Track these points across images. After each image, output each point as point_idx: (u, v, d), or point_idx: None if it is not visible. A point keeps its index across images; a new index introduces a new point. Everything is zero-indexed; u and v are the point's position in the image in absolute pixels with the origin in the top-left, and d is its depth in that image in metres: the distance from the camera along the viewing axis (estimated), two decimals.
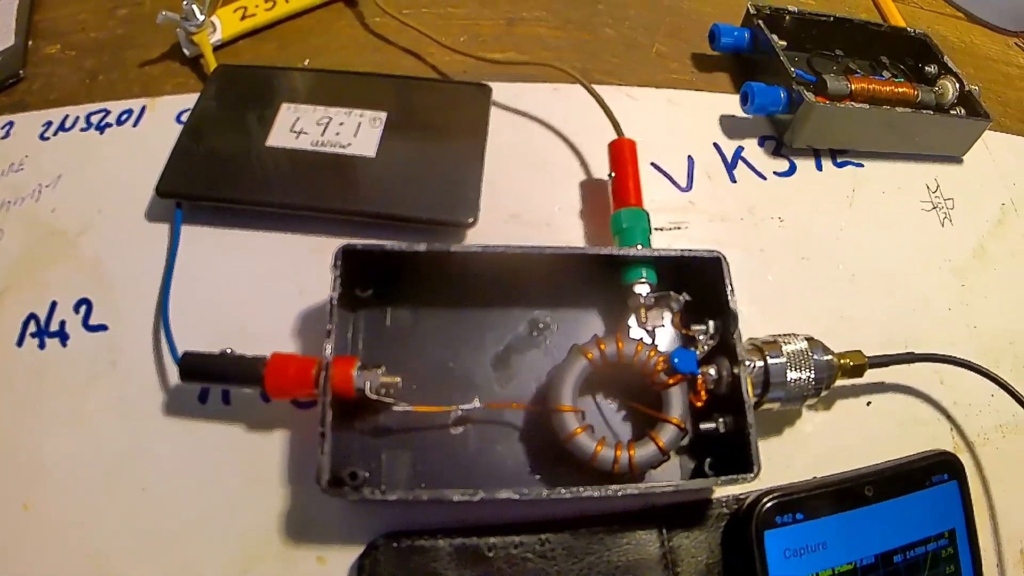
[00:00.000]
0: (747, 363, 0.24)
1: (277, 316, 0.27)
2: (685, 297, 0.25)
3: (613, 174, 0.27)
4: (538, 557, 0.24)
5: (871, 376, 0.28)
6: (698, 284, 0.26)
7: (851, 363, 0.27)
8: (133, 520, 0.24)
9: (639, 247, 0.26)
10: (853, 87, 0.35)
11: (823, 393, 0.26)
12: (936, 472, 0.27)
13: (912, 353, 0.29)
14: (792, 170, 0.33)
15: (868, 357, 0.27)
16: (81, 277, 0.28)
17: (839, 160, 0.34)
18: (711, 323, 0.25)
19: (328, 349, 0.23)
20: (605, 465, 0.23)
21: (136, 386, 0.26)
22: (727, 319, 0.25)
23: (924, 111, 0.36)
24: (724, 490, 0.26)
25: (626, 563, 0.24)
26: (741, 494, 0.26)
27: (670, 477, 0.25)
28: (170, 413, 0.25)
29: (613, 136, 0.29)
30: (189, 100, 0.31)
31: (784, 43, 0.36)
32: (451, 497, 0.21)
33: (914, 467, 0.27)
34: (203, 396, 0.26)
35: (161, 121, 0.31)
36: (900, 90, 0.38)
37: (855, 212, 0.33)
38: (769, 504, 0.24)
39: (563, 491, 0.22)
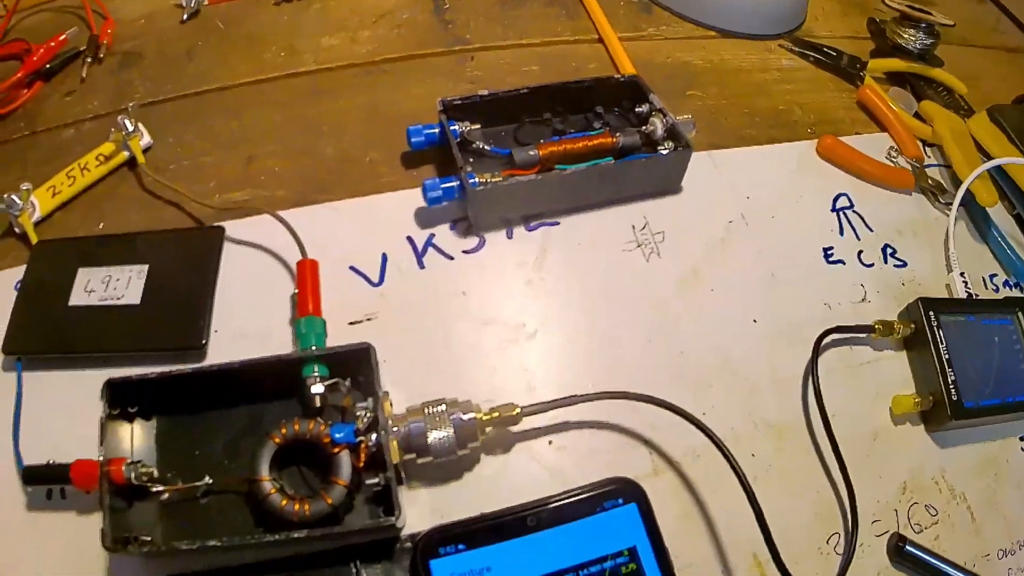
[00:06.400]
0: (395, 430, 0.33)
1: (92, 432, 0.35)
2: (347, 382, 0.34)
3: (297, 290, 0.36)
4: None
5: (554, 417, 0.34)
6: (365, 368, 0.34)
7: (499, 415, 0.33)
8: None
9: (313, 348, 0.34)
10: (541, 154, 0.41)
11: (474, 444, 0.33)
12: (609, 498, 0.31)
13: (574, 396, 0.34)
14: (480, 245, 0.39)
15: (522, 407, 0.33)
16: None
17: (532, 224, 0.40)
18: (369, 400, 0.34)
19: (101, 455, 0.33)
20: (290, 516, 0.32)
21: (4, 496, 0.36)
22: (376, 397, 0.33)
23: (606, 162, 0.41)
24: (410, 530, 0.33)
25: None
26: (419, 532, 0.32)
27: (361, 521, 0.33)
28: (29, 509, 0.36)
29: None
30: (22, 271, 0.41)
31: (478, 126, 0.42)
32: (180, 547, 0.31)
33: (582, 496, 0.31)
34: (48, 495, 0.37)
35: (3, 291, 0.40)
36: (596, 142, 0.43)
37: (544, 271, 0.39)
38: (431, 538, 0.31)
39: (249, 537, 0.31)
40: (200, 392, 0.35)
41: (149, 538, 0.34)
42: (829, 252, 0.45)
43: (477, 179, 0.38)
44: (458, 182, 0.38)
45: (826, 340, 0.40)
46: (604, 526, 0.30)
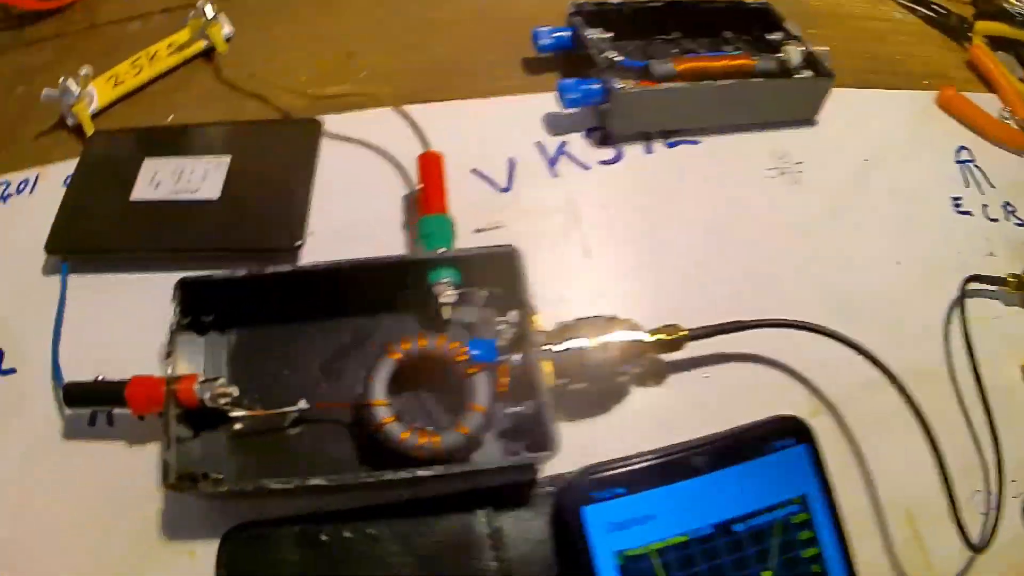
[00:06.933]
0: (545, 348, 0.27)
1: (150, 345, 0.30)
2: (485, 292, 0.28)
3: (421, 185, 0.30)
4: (368, 540, 0.26)
5: (710, 347, 0.29)
6: (506, 277, 0.28)
7: (666, 337, 0.28)
8: (23, 533, 0.27)
9: (442, 250, 0.29)
10: (679, 68, 0.37)
11: (636, 370, 0.28)
12: (778, 437, 0.26)
13: (740, 321, 0.29)
14: (618, 157, 0.35)
15: (690, 330, 0.28)
16: None
17: (672, 140, 0.36)
18: (513, 313, 0.28)
19: (169, 369, 0.27)
20: (410, 450, 0.26)
21: (40, 417, 0.30)
22: (524, 309, 0.27)
23: (755, 79, 0.37)
24: (550, 471, 0.27)
25: (453, 543, 0.26)
26: (567, 473, 0.26)
27: (493, 460, 0.27)
28: (67, 437, 0.29)
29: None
30: (74, 166, 0.36)
31: (611, 35, 0.38)
32: (269, 486, 0.25)
33: (751, 434, 0.26)
34: (92, 420, 0.30)
35: (52, 187, 0.35)
36: (735, 63, 0.39)
37: (687, 189, 0.34)
38: (585, 480, 0.25)
39: (364, 475, 0.25)
40: (291, 301, 0.29)
41: (222, 475, 0.27)
42: (958, 202, 0.42)
43: (621, 83, 0.33)
44: (599, 84, 0.34)
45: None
46: (774, 470, 0.25)
